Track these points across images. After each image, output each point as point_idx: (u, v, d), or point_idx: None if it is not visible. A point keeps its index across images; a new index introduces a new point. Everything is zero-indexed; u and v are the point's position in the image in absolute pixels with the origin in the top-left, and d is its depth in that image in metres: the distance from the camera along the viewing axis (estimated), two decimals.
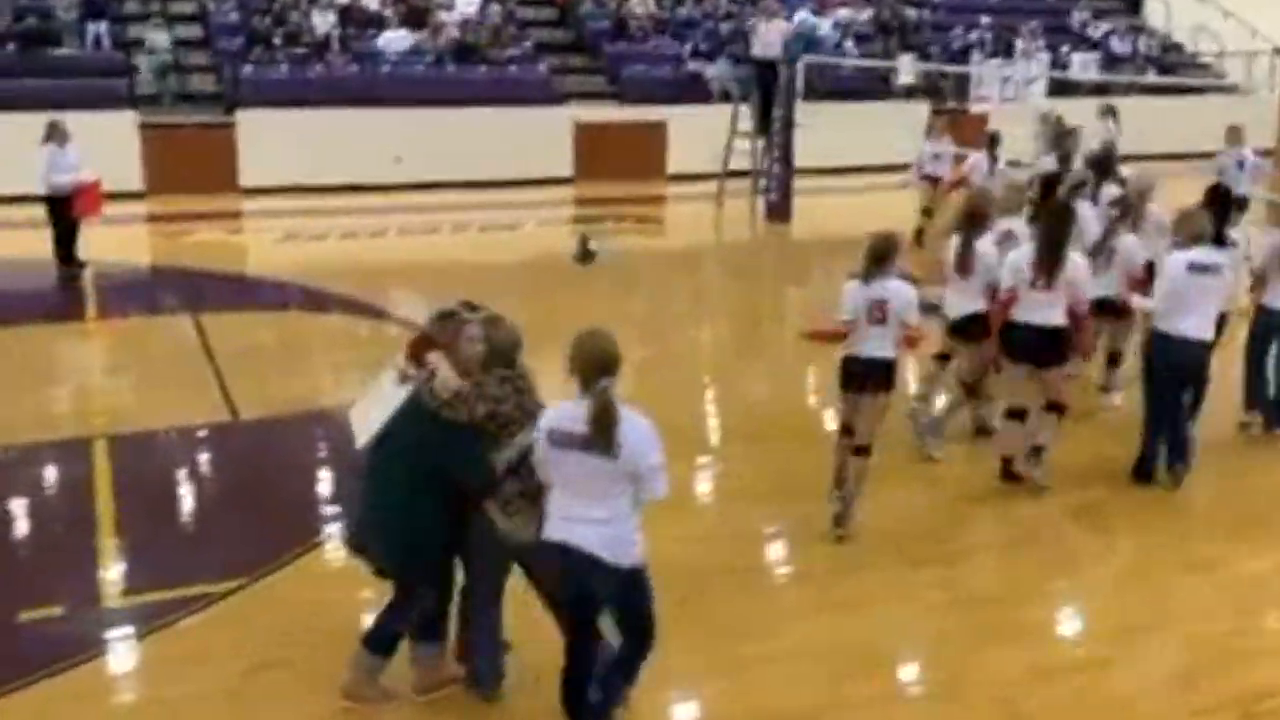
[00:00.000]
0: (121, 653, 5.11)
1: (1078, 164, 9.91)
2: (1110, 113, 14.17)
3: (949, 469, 7.14)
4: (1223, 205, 7.26)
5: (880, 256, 5.97)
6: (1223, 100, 21.04)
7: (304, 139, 16.83)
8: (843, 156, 18.03)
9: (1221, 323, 7.05)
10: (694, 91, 19.83)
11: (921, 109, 17.81)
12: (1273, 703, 4.81)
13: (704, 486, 7.07)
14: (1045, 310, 6.52)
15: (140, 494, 6.80)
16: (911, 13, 23.00)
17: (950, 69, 20.24)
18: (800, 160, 15.70)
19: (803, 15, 21.57)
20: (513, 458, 4.23)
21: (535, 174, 18.18)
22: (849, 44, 21.30)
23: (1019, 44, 22.04)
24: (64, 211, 11.92)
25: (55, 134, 11.86)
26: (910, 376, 8.14)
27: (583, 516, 3.98)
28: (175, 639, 5.16)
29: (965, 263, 6.96)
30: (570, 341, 4.07)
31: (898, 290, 5.96)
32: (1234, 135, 12.94)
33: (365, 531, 4.54)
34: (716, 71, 19.82)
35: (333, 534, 6.21)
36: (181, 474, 7.27)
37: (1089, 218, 7.70)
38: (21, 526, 6.47)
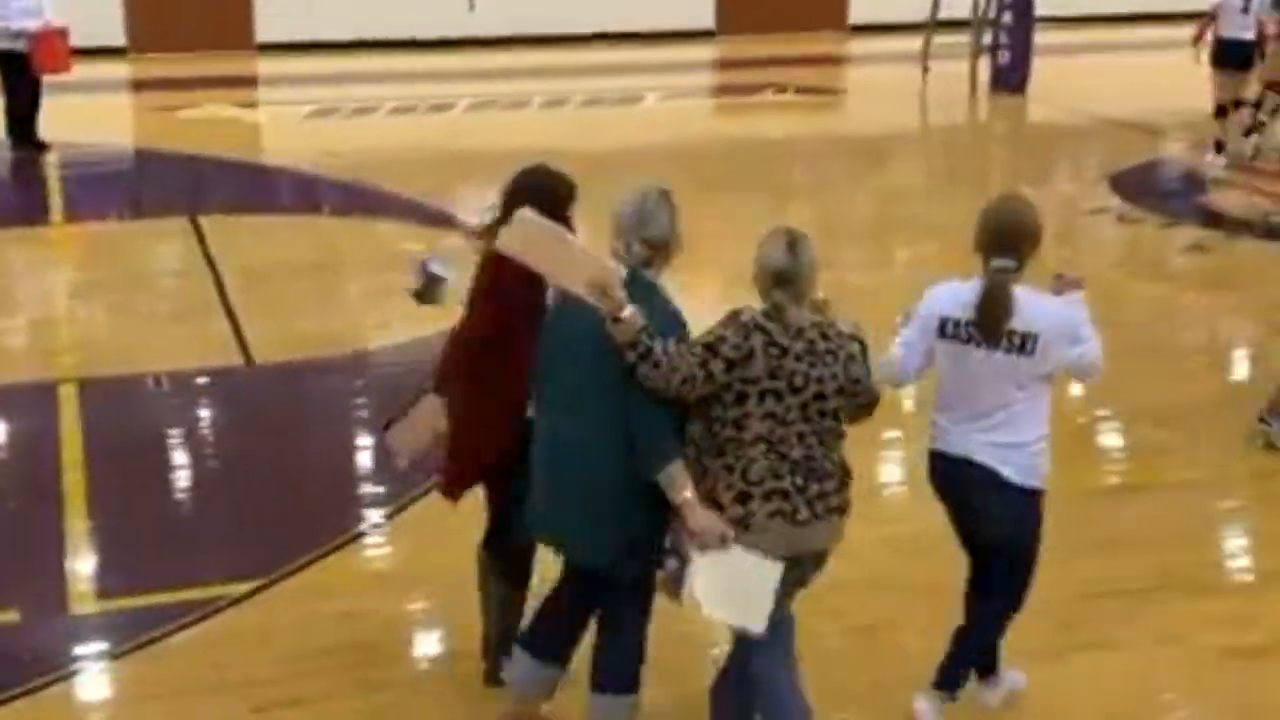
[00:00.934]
0: (90, 676, 5.19)
1: None
2: None
3: None
4: None
5: None
6: None
7: None
8: (1100, 2, 17.52)
9: None
10: None
11: None
12: None
13: None
14: None
15: (120, 462, 6.91)
16: None
17: None
18: (1042, 7, 15.37)
19: None
20: None
21: (661, 26, 18.06)
22: None
23: None
24: (18, 71, 12.22)
25: None
26: None
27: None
28: (161, 660, 5.23)
29: None
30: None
31: None
32: None
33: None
34: None
35: (373, 525, 6.29)
36: (175, 437, 7.38)
37: None
38: None
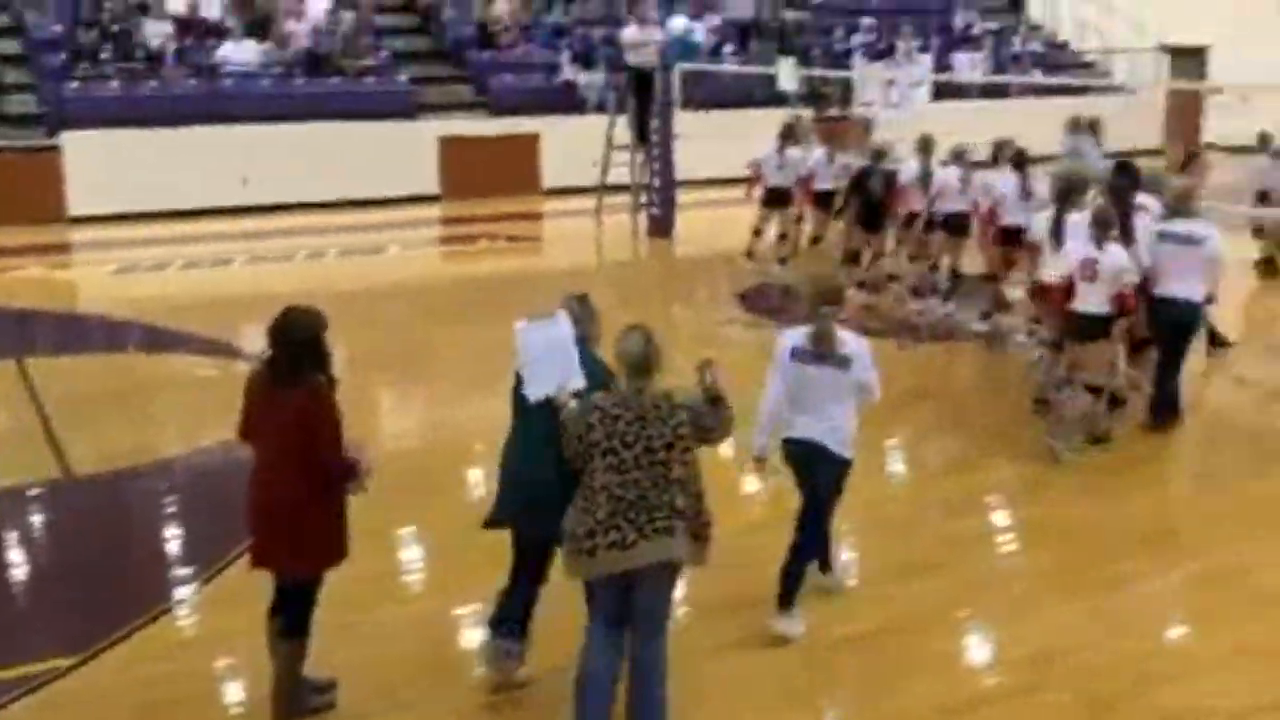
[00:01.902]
0: None
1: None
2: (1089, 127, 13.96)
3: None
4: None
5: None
6: (1110, 99, 21.98)
7: (139, 161, 16.37)
8: (725, 167, 18.28)
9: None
10: (568, 101, 19.98)
11: (805, 115, 18.11)
12: None
13: None
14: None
15: None
16: (790, 15, 23.47)
17: (831, 73, 20.67)
18: (681, 172, 15.88)
19: (677, 20, 21.87)
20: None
21: (397, 192, 18.03)
22: (727, 49, 21.68)
23: (899, 46, 22.65)
24: None
25: None
26: None
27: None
28: None
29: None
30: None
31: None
32: (1074, 124, 13.70)
33: (529, 505, 4.92)
34: (590, 80, 19.96)
35: (183, 598, 5.99)
36: (6, 539, 6.92)
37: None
38: None
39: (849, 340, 5.49)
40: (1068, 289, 7.58)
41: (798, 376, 5.49)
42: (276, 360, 4.68)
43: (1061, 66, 24.63)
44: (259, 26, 19.24)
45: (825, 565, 6.00)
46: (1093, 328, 7.58)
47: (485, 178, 18.66)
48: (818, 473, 5.57)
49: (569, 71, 20.34)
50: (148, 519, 7.19)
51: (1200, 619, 5.89)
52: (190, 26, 18.87)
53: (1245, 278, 12.64)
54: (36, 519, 7.35)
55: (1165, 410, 8.25)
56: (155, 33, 18.38)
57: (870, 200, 11.77)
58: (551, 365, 4.78)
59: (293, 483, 4.57)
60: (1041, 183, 9.84)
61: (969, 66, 22.84)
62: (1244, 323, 11.40)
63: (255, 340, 10.83)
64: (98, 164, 16.34)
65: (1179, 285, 7.90)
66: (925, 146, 11.56)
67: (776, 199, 13.22)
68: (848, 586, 6.14)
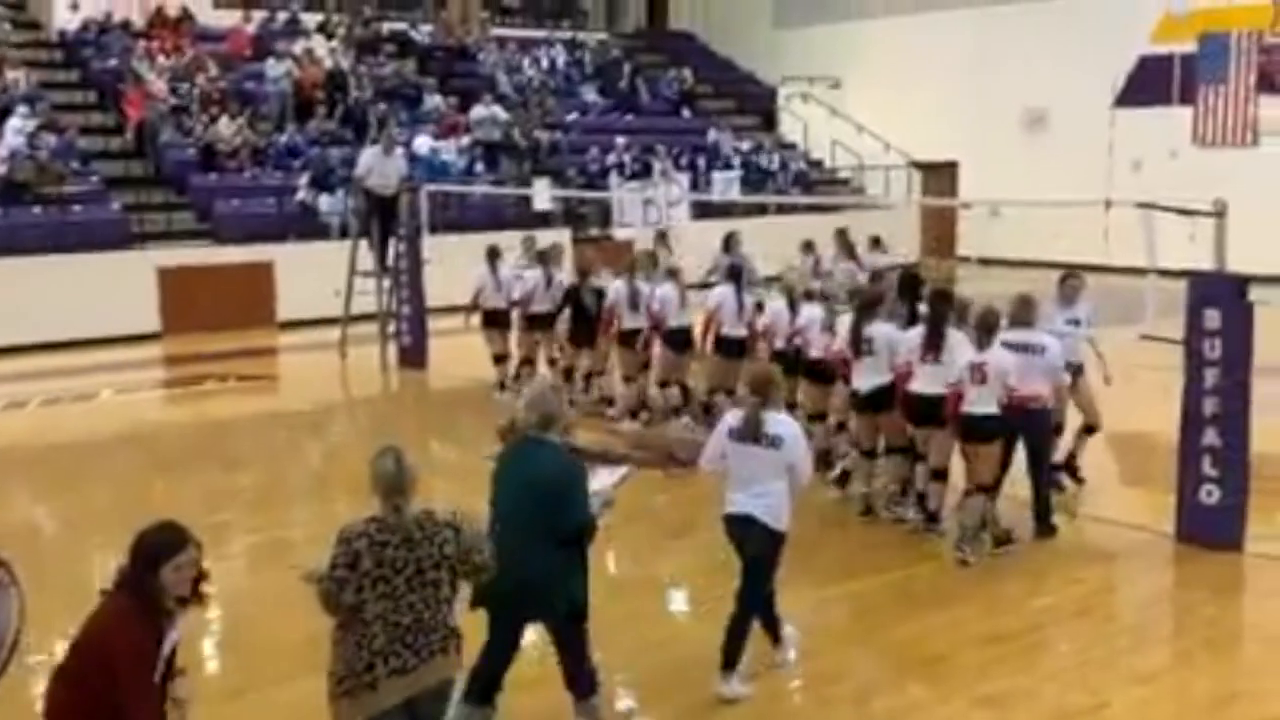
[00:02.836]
0: None
1: None
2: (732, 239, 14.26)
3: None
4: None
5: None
6: (866, 215, 23.41)
7: None
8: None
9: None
10: (306, 226, 19.81)
11: (563, 236, 18.50)
12: None
13: None
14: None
15: None
16: (544, 134, 24.13)
17: (589, 194, 21.29)
18: (432, 299, 15.83)
19: (422, 140, 22.16)
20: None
21: (111, 331, 17.33)
22: (479, 168, 22.04)
23: (656, 166, 23.58)
24: None
25: None
26: None
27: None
28: None
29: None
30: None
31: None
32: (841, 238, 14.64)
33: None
34: (331, 204, 19.86)
35: None
36: None
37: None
38: None
39: (783, 423, 6.45)
40: (958, 396, 8.17)
41: (734, 453, 6.45)
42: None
43: (817, 184, 26.16)
44: None
45: (776, 640, 6.78)
46: (984, 428, 8.19)
47: (212, 311, 18.18)
48: (751, 544, 6.38)
49: (306, 195, 20.20)
50: None
51: None
52: None
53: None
54: None
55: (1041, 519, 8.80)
56: None
57: (582, 317, 12.47)
58: None
59: None
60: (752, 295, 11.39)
61: (725, 185, 23.93)
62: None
63: None
64: None
65: (1026, 390, 8.46)
66: (630, 266, 12.44)
67: (495, 320, 13.59)
68: (791, 659, 6.83)
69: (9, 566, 5.13)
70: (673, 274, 12.17)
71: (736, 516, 6.43)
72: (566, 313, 12.78)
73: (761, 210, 22.32)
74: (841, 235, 14.71)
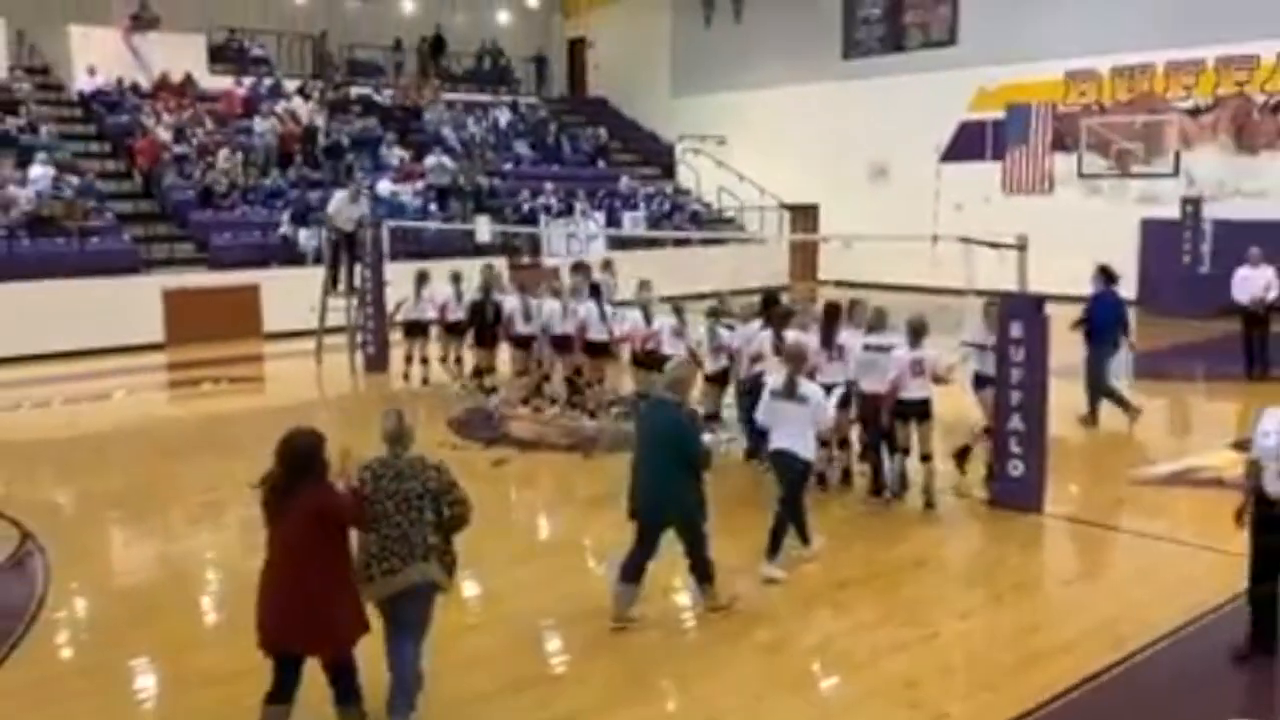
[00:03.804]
0: None
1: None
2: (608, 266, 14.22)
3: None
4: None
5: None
6: (745, 247, 23.65)
7: None
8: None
9: None
10: (286, 254, 19.48)
11: (500, 263, 18.37)
12: None
13: None
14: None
15: None
16: (485, 180, 23.99)
17: (522, 229, 21.20)
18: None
19: (384, 184, 21.91)
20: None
21: (122, 342, 16.90)
22: (432, 208, 21.84)
23: (577, 207, 23.59)
24: None
25: None
26: None
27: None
28: None
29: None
30: None
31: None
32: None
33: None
34: (307, 236, 19.55)
35: None
36: None
37: None
38: None
39: (809, 386, 7.26)
40: (894, 388, 8.49)
41: (776, 408, 7.23)
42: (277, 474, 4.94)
43: (708, 222, 26.31)
44: None
45: (805, 540, 7.43)
46: (922, 409, 8.52)
47: (208, 325, 17.80)
48: (788, 469, 7.21)
49: (287, 229, 19.86)
50: None
51: (848, 669, 6.20)
52: None
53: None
54: None
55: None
56: None
57: (483, 324, 12.75)
58: None
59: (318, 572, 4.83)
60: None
61: (633, 223, 24.00)
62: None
63: None
64: None
65: (877, 384, 8.67)
66: (521, 286, 12.81)
67: (415, 330, 13.89)
68: (818, 551, 7.47)
69: (35, 538, 4.99)
70: (556, 293, 12.33)
71: (779, 450, 7.27)
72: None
73: (663, 243, 22.39)
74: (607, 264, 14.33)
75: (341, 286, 15.89)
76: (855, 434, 9.22)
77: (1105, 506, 8.96)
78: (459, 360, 13.57)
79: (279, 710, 4.93)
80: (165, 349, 17.51)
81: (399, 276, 14.92)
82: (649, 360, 10.71)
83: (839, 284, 22.13)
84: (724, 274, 17.59)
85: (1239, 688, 5.77)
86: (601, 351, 11.86)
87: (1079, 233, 19.62)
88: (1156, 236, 20.58)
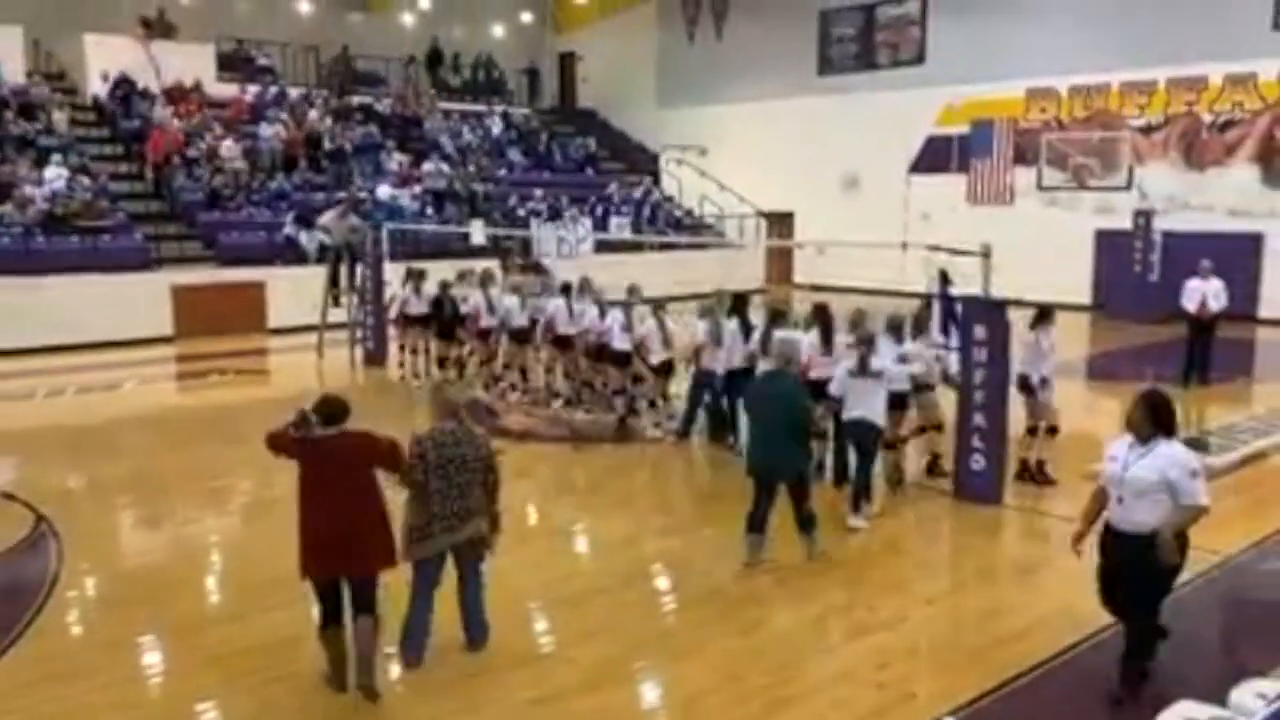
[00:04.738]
0: None
1: None
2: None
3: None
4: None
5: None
6: (725, 252, 23.64)
7: None
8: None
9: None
10: (290, 254, 19.36)
11: (493, 263, 18.27)
12: None
13: None
14: None
15: None
16: (479, 186, 23.90)
17: (514, 232, 21.13)
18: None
19: (384, 188, 21.80)
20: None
21: (133, 335, 16.76)
22: (429, 211, 21.74)
23: (566, 212, 23.53)
24: None
25: None
26: None
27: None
28: None
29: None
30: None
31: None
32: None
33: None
34: (310, 237, 19.43)
35: None
36: None
37: None
38: None
39: (881, 363, 7.85)
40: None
41: (852, 384, 7.78)
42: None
43: (689, 227, 26.29)
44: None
45: (869, 499, 7.99)
46: (901, 399, 8.69)
47: (215, 320, 17.70)
48: (865, 436, 7.81)
49: (291, 229, 19.73)
50: None
51: (820, 652, 6.21)
52: None
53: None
54: None
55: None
56: None
57: (443, 319, 13.22)
58: None
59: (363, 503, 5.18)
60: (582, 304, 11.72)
61: (619, 228, 23.94)
62: None
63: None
64: None
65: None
66: (483, 282, 13.01)
67: (415, 322, 13.94)
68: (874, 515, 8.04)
69: (49, 521, 4.96)
70: (516, 289, 12.70)
71: (856, 419, 7.83)
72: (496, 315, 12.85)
73: (648, 247, 22.34)
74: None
75: (343, 297, 15.90)
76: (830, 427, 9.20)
77: (1060, 499, 9.01)
78: (428, 350, 13.91)
79: (336, 632, 5.25)
80: (174, 342, 17.37)
81: (398, 276, 14.87)
82: (599, 353, 11.28)
83: (814, 287, 22.16)
84: (704, 277, 17.54)
85: (1190, 666, 5.80)
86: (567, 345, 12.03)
87: (1038, 242, 19.73)
88: (1110, 246, 20.75)
